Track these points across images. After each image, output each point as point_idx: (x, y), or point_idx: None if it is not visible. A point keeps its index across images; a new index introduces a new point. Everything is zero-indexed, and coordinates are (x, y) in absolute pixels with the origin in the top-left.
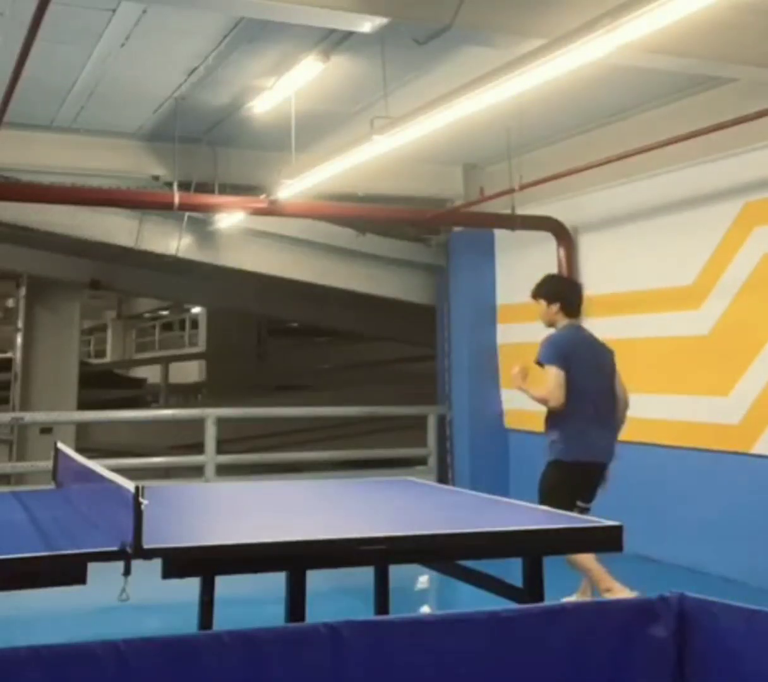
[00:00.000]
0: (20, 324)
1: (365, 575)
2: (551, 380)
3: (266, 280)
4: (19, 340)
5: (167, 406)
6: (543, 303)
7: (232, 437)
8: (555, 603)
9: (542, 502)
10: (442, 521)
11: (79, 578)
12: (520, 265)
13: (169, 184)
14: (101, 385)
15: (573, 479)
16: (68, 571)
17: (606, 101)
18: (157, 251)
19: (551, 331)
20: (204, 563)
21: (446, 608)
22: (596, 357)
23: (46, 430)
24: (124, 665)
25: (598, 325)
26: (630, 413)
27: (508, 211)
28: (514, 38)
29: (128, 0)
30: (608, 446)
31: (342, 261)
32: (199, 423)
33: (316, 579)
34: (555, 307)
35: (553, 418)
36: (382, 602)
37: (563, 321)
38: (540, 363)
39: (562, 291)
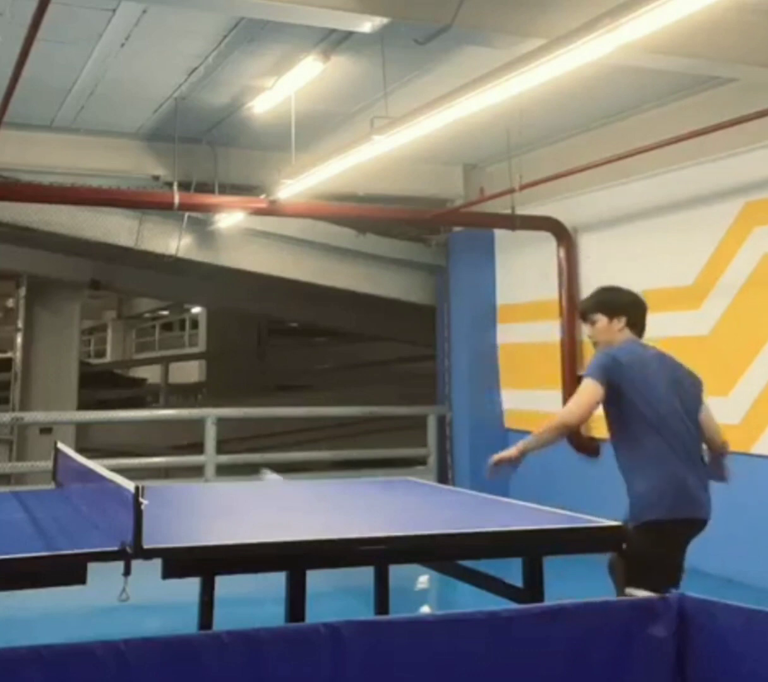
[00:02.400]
0: (20, 324)
1: (365, 575)
2: (578, 394)
3: (266, 280)
4: (19, 340)
5: (167, 406)
6: (603, 319)
7: (232, 437)
8: (555, 603)
9: (634, 582)
10: (442, 521)
11: (79, 578)
12: (520, 265)
13: (169, 184)
14: (101, 385)
15: (672, 544)
16: (68, 571)
17: (606, 101)
18: (157, 251)
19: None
20: (204, 563)
21: (446, 608)
22: (675, 380)
23: (46, 430)
24: (124, 665)
25: None
26: None
27: (508, 211)
28: (514, 38)
29: (128, 0)
30: (706, 497)
31: (342, 261)
32: (199, 423)
33: (316, 579)
34: (620, 322)
35: (627, 462)
36: (382, 602)
37: (626, 338)
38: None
39: (626, 302)
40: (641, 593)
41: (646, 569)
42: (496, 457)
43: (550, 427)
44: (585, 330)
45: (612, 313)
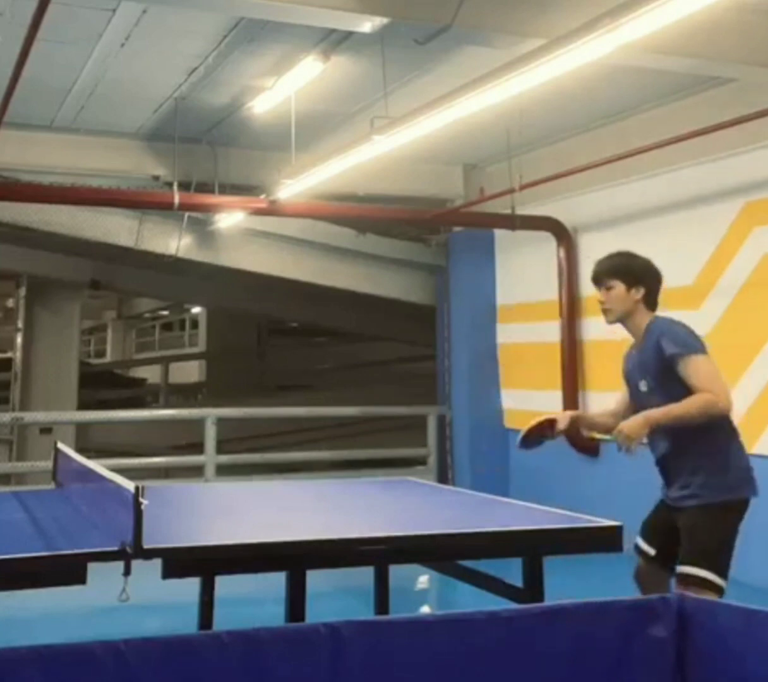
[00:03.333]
0: (20, 324)
1: (365, 575)
2: (712, 373)
3: (266, 280)
4: (19, 340)
5: (167, 406)
6: (620, 286)
7: (231, 437)
8: (555, 603)
9: (702, 562)
10: (442, 521)
11: (79, 578)
12: (520, 265)
13: (169, 184)
14: (101, 385)
15: (737, 525)
16: (68, 571)
17: (606, 101)
18: (157, 251)
19: (617, 327)
20: (204, 563)
21: (446, 608)
22: None
23: (46, 430)
24: (124, 665)
25: (598, 326)
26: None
27: (508, 211)
28: (514, 38)
29: (128, 0)
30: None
31: (342, 261)
32: (199, 423)
33: (316, 579)
34: (638, 292)
35: (702, 441)
36: (382, 602)
37: (645, 317)
38: (671, 357)
39: (649, 272)
40: (708, 575)
41: (724, 546)
42: (627, 435)
43: (696, 406)
44: (598, 295)
45: (631, 281)
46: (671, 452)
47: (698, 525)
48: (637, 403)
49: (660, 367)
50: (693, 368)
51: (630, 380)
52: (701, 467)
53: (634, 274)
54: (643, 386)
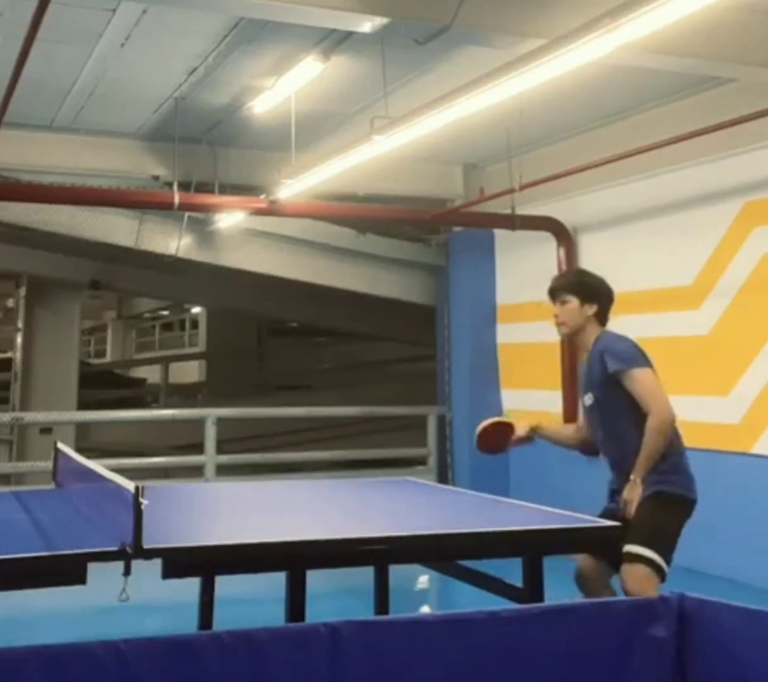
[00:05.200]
0: (20, 324)
1: (365, 575)
2: (654, 387)
3: (266, 280)
4: (19, 340)
5: (167, 406)
6: (574, 301)
7: (231, 437)
8: (555, 603)
9: (649, 542)
10: (442, 521)
11: (79, 578)
12: (520, 265)
13: (169, 184)
14: (101, 385)
15: (684, 522)
16: (68, 571)
17: (606, 101)
18: (157, 251)
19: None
20: (204, 563)
21: (446, 608)
22: None
23: (46, 430)
24: (124, 665)
25: None
26: None
27: (508, 211)
28: (514, 38)
29: (128, 0)
30: None
31: (342, 261)
32: (199, 423)
33: (316, 579)
34: (591, 309)
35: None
36: (382, 602)
37: (595, 330)
38: (614, 373)
39: (602, 291)
40: (654, 556)
41: (669, 532)
42: (631, 500)
43: (654, 437)
44: (552, 308)
45: (585, 297)
46: (624, 458)
47: (651, 510)
48: (585, 416)
49: (603, 381)
50: (637, 383)
51: (580, 394)
52: (656, 466)
53: (588, 290)
54: (587, 400)
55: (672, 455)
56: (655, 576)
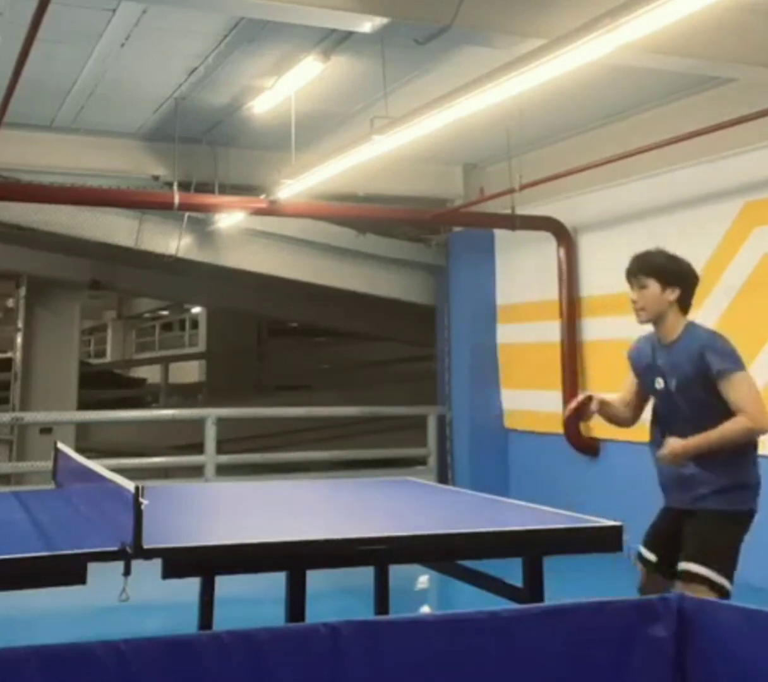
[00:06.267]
0: (20, 324)
1: (365, 575)
2: (754, 393)
3: (266, 280)
4: (19, 340)
5: (167, 406)
6: (655, 286)
7: (231, 437)
8: (555, 603)
9: (711, 562)
10: (442, 521)
11: (79, 578)
12: (520, 265)
13: (169, 184)
14: (101, 385)
15: (744, 535)
16: (68, 571)
17: (606, 101)
18: (157, 251)
19: (645, 328)
20: (204, 563)
21: (446, 608)
22: None
23: (46, 430)
24: (124, 665)
25: (598, 326)
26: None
27: (508, 211)
28: (514, 38)
29: (128, 0)
30: None
31: (342, 261)
32: (199, 423)
33: (316, 579)
34: (672, 294)
35: (729, 450)
36: (382, 602)
37: (678, 319)
38: (717, 373)
39: (686, 273)
40: (712, 575)
41: (731, 551)
42: (673, 450)
43: (738, 432)
44: (630, 293)
45: (667, 282)
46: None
47: (709, 527)
48: (652, 396)
49: (698, 376)
50: (737, 386)
51: (645, 374)
52: (723, 474)
53: (672, 275)
54: (659, 384)
55: (741, 466)
56: (714, 594)
